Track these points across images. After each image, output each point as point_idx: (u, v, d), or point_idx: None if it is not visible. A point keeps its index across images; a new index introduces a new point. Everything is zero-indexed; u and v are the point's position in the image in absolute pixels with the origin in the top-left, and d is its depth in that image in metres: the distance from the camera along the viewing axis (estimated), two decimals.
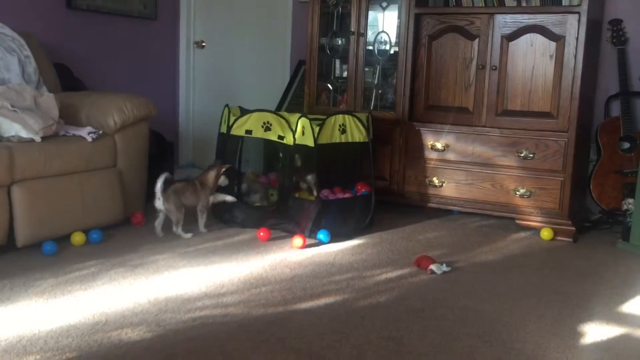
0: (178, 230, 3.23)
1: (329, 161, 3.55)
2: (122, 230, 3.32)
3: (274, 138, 3.38)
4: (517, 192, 3.55)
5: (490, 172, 3.62)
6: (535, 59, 3.52)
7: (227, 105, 3.62)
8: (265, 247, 3.13)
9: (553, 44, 3.47)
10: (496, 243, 3.37)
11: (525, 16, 3.52)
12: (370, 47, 3.98)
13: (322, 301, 2.44)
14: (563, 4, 3.57)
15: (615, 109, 3.84)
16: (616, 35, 3.75)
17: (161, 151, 4.23)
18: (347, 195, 3.56)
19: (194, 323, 2.19)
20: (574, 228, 3.45)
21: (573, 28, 3.38)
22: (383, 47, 4.00)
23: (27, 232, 2.87)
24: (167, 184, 3.20)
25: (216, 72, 5.12)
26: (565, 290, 2.67)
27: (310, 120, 3.28)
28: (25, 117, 2.98)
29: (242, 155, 3.75)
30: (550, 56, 3.48)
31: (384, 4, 3.96)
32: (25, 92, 3.15)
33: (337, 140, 3.37)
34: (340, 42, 4.12)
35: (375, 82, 4.05)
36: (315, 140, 3.23)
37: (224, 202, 3.40)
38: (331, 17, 4.13)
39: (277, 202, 3.46)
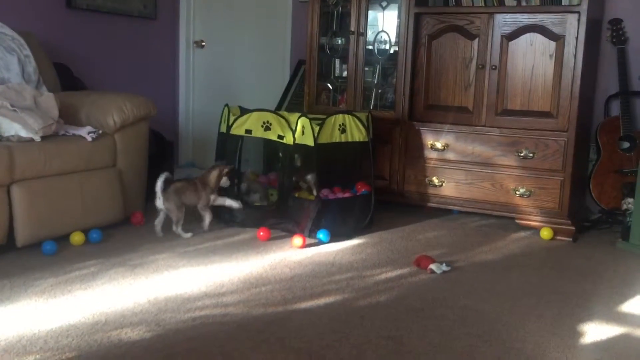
0: (178, 229, 3.23)
1: (328, 161, 3.55)
2: (122, 230, 3.32)
3: (274, 138, 3.38)
4: (517, 192, 3.55)
5: (490, 171, 3.62)
6: (535, 59, 3.52)
7: (226, 105, 3.62)
8: (265, 247, 3.13)
9: (553, 44, 3.47)
10: (496, 243, 3.37)
11: (525, 16, 3.52)
12: (370, 47, 3.98)
13: (322, 301, 2.44)
14: (563, 3, 3.57)
15: (615, 109, 3.84)
16: (616, 35, 3.75)
17: (161, 151, 4.23)
18: (346, 194, 3.56)
19: (194, 323, 2.19)
20: (573, 227, 3.45)
21: (573, 27, 3.38)
22: (383, 46, 3.99)
23: (26, 231, 2.87)
24: (167, 183, 3.20)
25: (216, 71, 5.12)
26: (564, 289, 2.67)
27: (310, 119, 3.28)
28: (25, 117, 2.98)
29: (241, 154, 3.74)
30: (550, 56, 3.48)
31: (384, 4, 3.96)
32: (25, 91, 3.15)
33: (337, 140, 3.37)
34: (340, 41, 4.12)
35: (375, 81, 4.05)
36: (315, 139, 3.23)
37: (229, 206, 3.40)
38: (331, 16, 4.13)
39: (276, 202, 3.46)
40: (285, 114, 3.48)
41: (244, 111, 3.52)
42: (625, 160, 3.68)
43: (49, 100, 3.16)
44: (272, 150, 4.00)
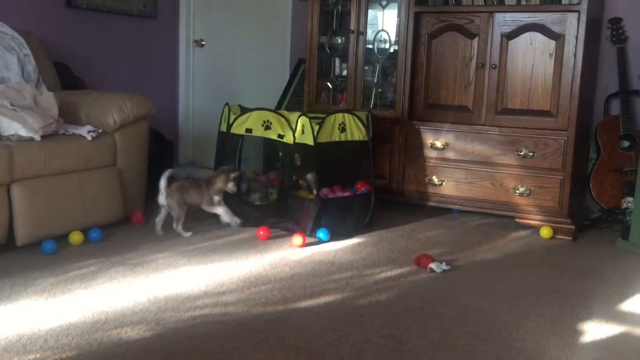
0: (178, 227, 3.23)
1: (328, 160, 3.55)
2: (122, 229, 3.32)
3: (274, 137, 3.38)
4: (517, 191, 3.55)
5: (489, 170, 3.62)
6: (535, 58, 3.52)
7: (227, 104, 3.62)
8: (265, 246, 3.13)
9: (553, 43, 3.47)
10: (496, 242, 3.37)
11: (525, 15, 3.52)
12: (370, 46, 3.98)
13: (322, 300, 2.44)
14: (563, 2, 3.57)
15: (615, 108, 3.84)
16: (616, 34, 3.75)
17: (161, 150, 4.23)
18: (346, 193, 3.56)
19: (194, 322, 2.19)
20: (573, 226, 3.45)
21: (573, 26, 3.38)
22: (383, 45, 3.99)
23: (26, 230, 2.87)
24: (171, 181, 3.21)
25: (216, 70, 5.12)
26: (564, 288, 2.67)
27: (310, 118, 3.28)
28: (25, 116, 2.98)
29: (242, 153, 3.75)
30: (550, 55, 3.48)
31: (384, 3, 3.96)
32: (25, 90, 3.15)
33: (337, 139, 3.37)
34: (339, 40, 4.12)
35: (375, 80, 4.04)
36: (314, 138, 3.23)
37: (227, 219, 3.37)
38: (331, 15, 4.13)
39: (276, 201, 3.46)
40: (285, 113, 3.48)
41: (244, 110, 3.53)
42: (625, 159, 3.68)
43: (48, 100, 3.16)
44: (272, 150, 4.01)
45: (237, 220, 3.32)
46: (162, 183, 3.19)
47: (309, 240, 3.19)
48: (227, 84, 5.07)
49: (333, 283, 2.63)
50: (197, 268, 2.77)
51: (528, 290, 2.64)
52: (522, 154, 3.52)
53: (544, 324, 2.28)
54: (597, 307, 2.47)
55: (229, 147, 3.64)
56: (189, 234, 3.25)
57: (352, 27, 3.96)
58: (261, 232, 3.24)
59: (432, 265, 2.81)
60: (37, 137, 2.99)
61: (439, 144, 3.73)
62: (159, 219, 3.25)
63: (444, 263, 2.84)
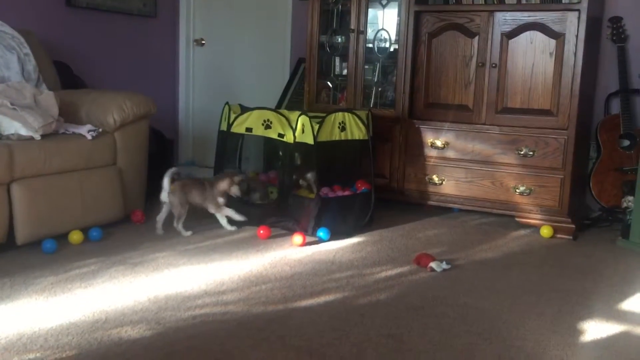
0: (178, 226, 3.23)
1: (328, 159, 3.55)
2: (122, 228, 3.32)
3: (274, 136, 3.38)
4: (517, 190, 3.55)
5: (490, 169, 3.62)
6: (535, 57, 3.52)
7: (227, 103, 3.62)
8: (265, 245, 3.13)
9: (553, 42, 3.46)
10: (496, 241, 3.37)
11: (525, 14, 3.52)
12: (370, 45, 3.98)
13: (322, 299, 2.44)
14: (563, 1, 3.56)
15: (615, 107, 3.84)
16: (616, 33, 3.75)
17: (161, 149, 4.23)
18: (346, 193, 3.56)
19: (194, 321, 2.19)
20: (573, 226, 3.45)
21: (573, 25, 3.38)
22: (383, 44, 3.99)
23: (26, 230, 2.87)
24: (175, 179, 3.22)
25: (216, 69, 5.12)
26: (565, 287, 2.67)
27: (310, 118, 3.28)
28: (25, 115, 2.97)
29: (242, 153, 3.75)
30: (550, 54, 3.48)
31: (384, 2, 3.96)
32: (25, 90, 3.15)
33: (337, 138, 3.37)
34: (340, 39, 4.11)
35: (375, 79, 4.04)
36: (315, 138, 3.23)
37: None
38: (331, 14, 4.13)
39: (277, 200, 3.46)
40: (285, 112, 3.48)
41: (244, 109, 3.52)
42: (626, 158, 3.68)
43: (48, 99, 3.16)
44: (273, 149, 4.00)
45: (240, 219, 3.31)
46: (166, 180, 3.20)
47: (309, 239, 3.19)
48: (227, 83, 5.07)
49: (333, 282, 2.63)
50: (198, 267, 2.77)
51: (528, 289, 2.64)
52: (522, 153, 3.51)
53: (545, 322, 2.28)
54: (598, 306, 2.47)
55: (229, 146, 3.64)
56: (189, 233, 3.24)
57: (353, 26, 3.96)
58: (261, 231, 3.24)
59: (433, 265, 2.81)
60: (37, 136, 2.99)
61: (439, 143, 3.73)
62: (160, 217, 3.25)
63: (444, 262, 2.84)
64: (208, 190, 3.28)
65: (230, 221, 3.36)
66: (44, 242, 2.88)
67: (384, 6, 3.97)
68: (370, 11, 3.97)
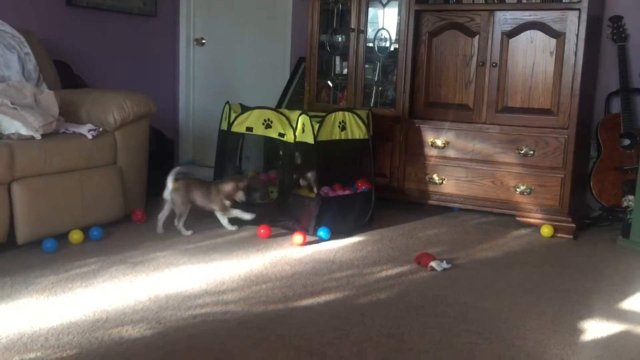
0: (179, 225, 3.23)
1: (329, 158, 3.55)
2: (123, 228, 3.32)
3: (275, 135, 3.38)
4: (517, 189, 3.55)
5: (490, 169, 3.62)
6: (536, 56, 3.52)
7: (227, 102, 3.62)
8: (266, 245, 3.13)
9: (553, 41, 3.46)
10: (496, 240, 3.37)
11: (526, 13, 3.51)
12: (371, 44, 3.98)
13: (323, 298, 2.44)
14: (563, 0, 3.56)
15: (616, 106, 3.84)
16: (616, 32, 3.75)
17: (161, 148, 4.23)
18: (347, 192, 3.56)
19: (195, 320, 2.19)
20: (574, 225, 3.45)
21: (573, 25, 3.38)
22: (383, 44, 3.99)
23: (27, 229, 2.87)
24: (180, 178, 3.23)
25: (216, 69, 5.12)
26: (565, 287, 2.67)
27: (311, 117, 3.28)
28: (26, 115, 2.97)
29: (242, 152, 3.75)
30: (551, 53, 3.48)
31: (384, 1, 3.95)
32: (26, 89, 3.15)
33: (337, 137, 3.37)
34: (340, 39, 4.11)
35: (376, 79, 4.04)
36: (315, 137, 3.23)
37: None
38: (331, 14, 4.13)
39: (277, 200, 3.46)
40: (285, 111, 3.48)
41: (244, 109, 3.52)
42: (626, 157, 3.68)
43: (49, 98, 3.16)
44: (273, 148, 4.01)
45: (249, 217, 3.31)
46: (170, 178, 3.21)
47: (309, 238, 3.19)
48: (227, 83, 5.07)
49: (334, 281, 2.63)
50: (198, 266, 2.77)
51: (529, 288, 2.64)
52: (522, 152, 3.51)
53: (545, 322, 2.28)
54: (598, 306, 2.47)
55: (229, 146, 3.64)
56: (189, 232, 3.25)
57: (353, 25, 3.96)
58: (262, 230, 3.24)
59: (433, 264, 2.81)
60: (38, 136, 2.99)
61: (439, 142, 3.73)
62: (162, 215, 3.26)
63: (444, 261, 2.84)
64: (214, 193, 3.28)
65: (231, 220, 3.36)
66: (45, 242, 2.88)
67: (384, 5, 3.97)
68: (371, 10, 3.97)
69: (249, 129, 3.45)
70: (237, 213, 3.31)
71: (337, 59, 4.20)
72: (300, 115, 3.30)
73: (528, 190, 3.52)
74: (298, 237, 3.12)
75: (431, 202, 3.81)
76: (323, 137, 3.28)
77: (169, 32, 5.06)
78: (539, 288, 2.64)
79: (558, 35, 3.44)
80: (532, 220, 3.55)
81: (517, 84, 3.58)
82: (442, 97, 3.78)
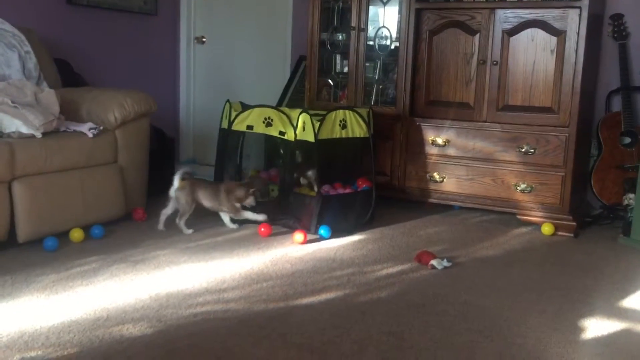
0: (180, 223, 3.23)
1: (329, 157, 3.55)
2: (123, 226, 3.32)
3: (275, 134, 3.38)
4: (518, 187, 3.55)
5: (491, 167, 3.61)
6: (536, 54, 3.52)
7: (228, 101, 3.62)
8: (266, 243, 3.14)
9: (554, 39, 3.46)
10: (497, 238, 3.37)
11: (526, 11, 3.51)
12: (371, 43, 3.97)
13: (323, 296, 2.44)
14: None
15: (616, 104, 3.84)
16: (617, 30, 3.75)
17: (162, 147, 4.22)
18: (347, 190, 3.56)
19: (195, 318, 2.19)
20: (574, 223, 3.45)
21: (574, 23, 3.37)
22: (384, 42, 3.99)
23: (28, 228, 2.88)
24: (186, 178, 3.24)
25: (216, 67, 5.12)
26: (566, 285, 2.67)
27: (311, 115, 3.28)
28: (26, 113, 2.98)
29: (243, 150, 3.75)
30: (551, 51, 3.47)
31: None
32: (26, 87, 3.15)
33: (338, 136, 3.37)
34: (340, 37, 4.11)
35: (376, 77, 4.04)
36: (315, 135, 3.23)
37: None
38: (332, 12, 4.13)
39: (277, 198, 3.46)
40: (286, 110, 3.48)
41: (245, 107, 3.52)
42: (627, 155, 3.68)
43: (49, 97, 3.16)
44: (273, 146, 4.01)
45: (261, 218, 3.29)
46: (177, 176, 3.22)
47: (310, 237, 3.19)
48: (228, 81, 5.07)
49: (334, 280, 2.63)
50: (199, 265, 2.77)
51: (529, 286, 2.64)
52: (523, 150, 3.51)
53: (546, 320, 2.28)
54: (599, 304, 2.47)
55: (230, 144, 3.64)
56: (190, 231, 3.25)
57: (353, 23, 3.96)
58: (262, 229, 3.24)
59: (433, 262, 2.81)
60: (38, 134, 2.99)
61: (440, 140, 3.73)
62: (165, 212, 3.26)
63: (445, 260, 2.84)
64: (223, 195, 3.29)
65: (233, 219, 3.36)
66: (46, 240, 2.88)
67: (384, 4, 3.96)
68: (371, 9, 3.96)
69: (250, 127, 3.45)
70: (248, 215, 3.31)
71: (338, 57, 4.19)
72: (300, 113, 3.30)
73: (529, 189, 3.52)
74: (299, 236, 3.12)
75: (432, 200, 3.81)
76: (324, 135, 3.28)
77: (170, 31, 5.05)
78: (540, 286, 2.64)
79: (559, 34, 3.44)
80: (532, 219, 3.54)
81: (518, 82, 3.58)
82: (443, 95, 3.78)
